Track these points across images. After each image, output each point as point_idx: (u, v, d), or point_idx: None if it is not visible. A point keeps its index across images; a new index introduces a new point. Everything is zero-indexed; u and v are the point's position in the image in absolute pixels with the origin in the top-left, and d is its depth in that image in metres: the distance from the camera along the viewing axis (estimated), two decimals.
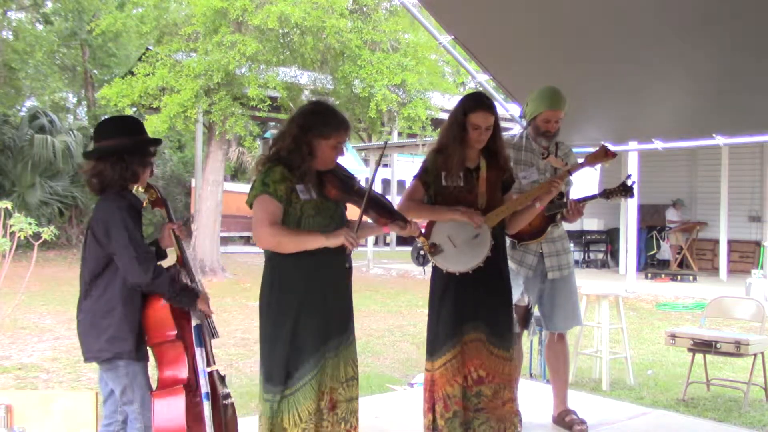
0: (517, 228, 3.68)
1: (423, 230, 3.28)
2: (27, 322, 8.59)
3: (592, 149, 3.71)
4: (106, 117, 3.38)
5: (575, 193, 4.13)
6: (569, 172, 3.66)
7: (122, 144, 2.90)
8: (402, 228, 3.01)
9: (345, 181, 3.05)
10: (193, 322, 2.95)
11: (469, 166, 3.49)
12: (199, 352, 2.93)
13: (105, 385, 2.97)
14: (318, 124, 2.97)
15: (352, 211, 3.03)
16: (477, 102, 3.41)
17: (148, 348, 2.96)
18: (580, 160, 3.69)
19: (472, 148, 3.46)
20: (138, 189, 3.06)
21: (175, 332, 2.89)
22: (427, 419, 3.46)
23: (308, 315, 2.92)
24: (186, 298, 2.91)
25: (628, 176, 3.83)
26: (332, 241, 2.88)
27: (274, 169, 2.94)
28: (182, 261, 3.05)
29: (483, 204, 3.45)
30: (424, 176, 3.50)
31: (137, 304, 2.87)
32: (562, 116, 4.00)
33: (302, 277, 2.93)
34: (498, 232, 3.49)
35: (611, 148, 3.63)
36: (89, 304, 2.87)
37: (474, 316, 3.40)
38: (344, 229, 2.90)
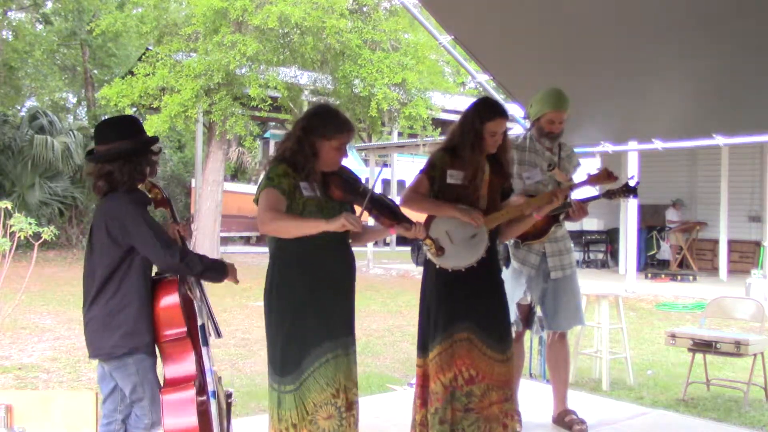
0: (511, 236, 3.72)
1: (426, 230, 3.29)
2: (27, 322, 8.59)
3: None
4: (104, 119, 3.39)
5: (578, 193, 4.14)
6: (571, 188, 3.68)
7: (128, 145, 2.91)
8: (407, 230, 3.04)
9: (349, 182, 3.08)
10: (199, 322, 2.95)
11: None
12: (205, 351, 2.94)
13: (106, 383, 2.97)
14: (320, 125, 3.01)
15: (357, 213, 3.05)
16: (494, 110, 3.47)
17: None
18: (583, 179, 3.72)
19: (486, 152, 3.49)
20: (143, 188, 3.07)
21: (185, 329, 2.89)
22: (420, 414, 3.47)
23: (309, 310, 2.95)
24: (217, 269, 2.95)
25: (631, 177, 3.84)
26: (332, 225, 2.85)
27: (278, 166, 3.00)
28: None
29: (484, 206, 3.48)
30: (431, 171, 3.52)
31: (150, 300, 2.88)
32: (566, 117, 4.01)
33: (304, 273, 2.97)
34: (493, 236, 3.51)
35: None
36: (102, 303, 2.86)
37: (465, 316, 3.40)
38: (345, 213, 2.89)
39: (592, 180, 3.62)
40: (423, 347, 3.48)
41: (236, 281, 3.06)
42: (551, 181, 3.99)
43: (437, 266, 3.42)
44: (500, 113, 3.45)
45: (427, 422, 3.42)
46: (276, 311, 3.00)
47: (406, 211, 3.14)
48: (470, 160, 3.43)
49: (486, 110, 3.47)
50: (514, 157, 4.02)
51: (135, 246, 2.82)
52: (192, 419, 2.80)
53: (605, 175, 3.58)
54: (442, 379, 3.38)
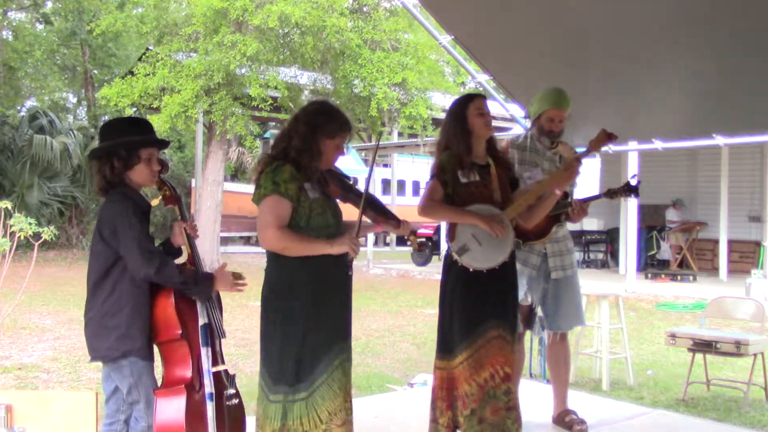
0: (537, 219, 3.67)
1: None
2: (27, 322, 8.59)
3: None
4: (112, 118, 3.46)
5: (579, 193, 4.13)
6: (578, 160, 3.63)
7: (104, 146, 2.92)
8: (395, 227, 3.06)
9: (343, 180, 3.09)
10: (201, 321, 2.93)
11: (480, 163, 3.52)
12: (204, 352, 2.91)
13: (108, 384, 2.97)
14: (326, 123, 2.95)
15: (346, 210, 3.05)
16: (473, 94, 3.63)
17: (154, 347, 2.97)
18: (584, 149, 3.70)
19: (480, 138, 3.50)
20: (150, 187, 3.07)
21: (179, 331, 2.88)
22: (446, 417, 3.44)
23: (318, 316, 2.89)
24: (202, 284, 2.91)
25: (633, 176, 3.83)
26: (336, 249, 2.85)
27: (282, 168, 2.88)
28: (193, 259, 3.04)
29: (499, 199, 3.49)
30: (442, 175, 3.51)
31: (146, 303, 2.87)
32: (566, 116, 4.00)
33: (309, 278, 2.89)
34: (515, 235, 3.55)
35: (612, 148, 3.64)
36: (97, 304, 2.87)
37: (493, 313, 3.41)
38: (347, 237, 2.87)
39: (593, 145, 3.57)
40: (446, 349, 3.46)
41: (238, 289, 3.02)
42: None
43: (459, 266, 3.42)
44: (478, 95, 3.59)
45: (455, 424, 3.41)
46: (282, 313, 2.90)
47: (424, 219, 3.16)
48: (456, 142, 3.46)
49: (465, 96, 3.60)
50: (514, 157, 4.02)
51: (120, 251, 2.82)
52: (179, 421, 2.81)
53: (604, 136, 3.52)
54: (477, 379, 3.37)
